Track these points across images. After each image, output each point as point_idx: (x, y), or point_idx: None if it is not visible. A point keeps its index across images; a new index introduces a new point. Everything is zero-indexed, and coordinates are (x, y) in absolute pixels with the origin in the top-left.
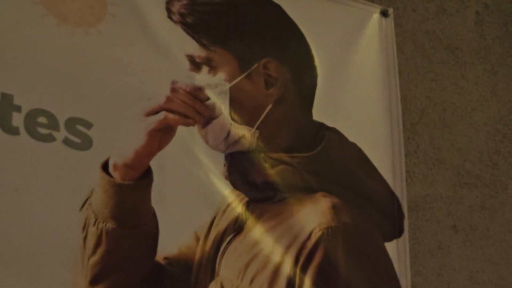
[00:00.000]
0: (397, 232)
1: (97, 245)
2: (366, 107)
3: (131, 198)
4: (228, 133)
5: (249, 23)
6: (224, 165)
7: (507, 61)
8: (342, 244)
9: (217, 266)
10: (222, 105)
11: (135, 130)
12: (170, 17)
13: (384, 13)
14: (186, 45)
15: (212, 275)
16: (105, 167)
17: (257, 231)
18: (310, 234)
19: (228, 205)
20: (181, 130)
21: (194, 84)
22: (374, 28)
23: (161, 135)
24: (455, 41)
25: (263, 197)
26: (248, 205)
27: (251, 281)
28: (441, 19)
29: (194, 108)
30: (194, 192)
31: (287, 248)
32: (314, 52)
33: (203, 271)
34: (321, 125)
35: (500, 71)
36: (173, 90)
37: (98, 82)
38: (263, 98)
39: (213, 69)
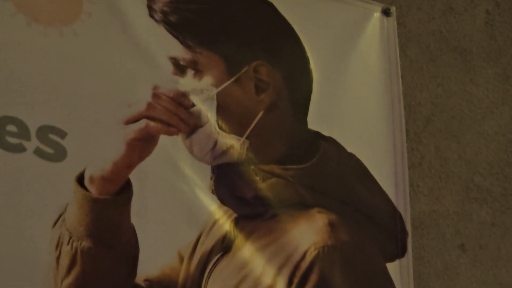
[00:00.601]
0: (400, 252)
1: (71, 265)
2: (366, 115)
3: (108, 214)
4: (215, 143)
5: (239, 22)
6: (211, 178)
7: None
8: (339, 265)
9: None
10: (208, 112)
11: (113, 140)
12: (151, 16)
13: (385, 12)
14: (169, 46)
15: None
16: (80, 180)
17: (246, 250)
18: (304, 254)
19: (215, 222)
20: (163, 139)
21: (178, 89)
22: (375, 28)
23: (142, 145)
24: (463, 43)
25: (253, 213)
26: (237, 222)
27: None
28: (448, 18)
29: (178, 116)
30: (178, 207)
31: (280, 269)
32: (309, 54)
33: None
34: (317, 134)
35: None
36: (155, 95)
37: (73, 87)
38: (253, 104)
39: (198, 72)
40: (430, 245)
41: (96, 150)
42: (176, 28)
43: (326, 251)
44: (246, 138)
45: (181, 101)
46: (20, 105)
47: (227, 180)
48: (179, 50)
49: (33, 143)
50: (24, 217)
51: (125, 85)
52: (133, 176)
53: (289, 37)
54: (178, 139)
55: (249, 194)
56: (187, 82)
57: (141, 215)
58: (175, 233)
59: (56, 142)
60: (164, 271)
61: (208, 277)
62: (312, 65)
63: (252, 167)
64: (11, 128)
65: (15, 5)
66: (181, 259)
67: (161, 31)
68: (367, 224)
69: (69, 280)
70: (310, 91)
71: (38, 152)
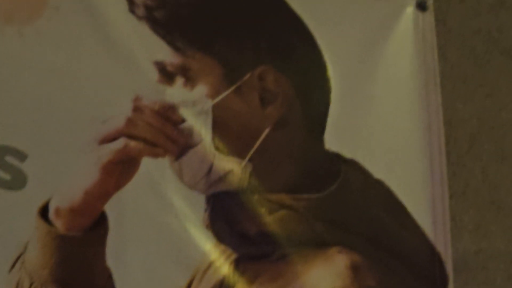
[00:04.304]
0: None
1: None
2: (396, 133)
3: (79, 255)
4: (210, 167)
5: (240, 19)
6: (205, 211)
7: None
8: None
9: None
10: (202, 129)
11: (84, 163)
12: (132, 11)
13: (421, 6)
14: (154, 48)
15: None
16: (43, 212)
17: None
18: None
19: (210, 264)
20: (146, 162)
21: (164, 101)
22: (408, 26)
23: (120, 170)
24: None
25: (257, 253)
26: (238, 264)
27: None
28: (498, 14)
29: (164, 133)
30: (164, 246)
31: None
32: (326, 59)
33: None
34: (337, 157)
35: None
36: (136, 109)
37: (36, 99)
38: (257, 119)
39: (190, 80)
40: None
41: (63, 176)
42: (162, 26)
43: None
44: (249, 161)
45: (168, 115)
46: None
47: (225, 213)
48: (166, 53)
49: None
50: None
51: (100, 96)
52: (109, 208)
53: (302, 38)
54: (165, 162)
55: (252, 230)
56: (176, 92)
57: (119, 255)
58: (160, 278)
59: (14, 166)
60: None
61: None
62: (331, 71)
63: (256, 196)
64: None
65: None
66: None
67: (144, 30)
68: (398, 267)
69: None
70: (327, 103)
71: None
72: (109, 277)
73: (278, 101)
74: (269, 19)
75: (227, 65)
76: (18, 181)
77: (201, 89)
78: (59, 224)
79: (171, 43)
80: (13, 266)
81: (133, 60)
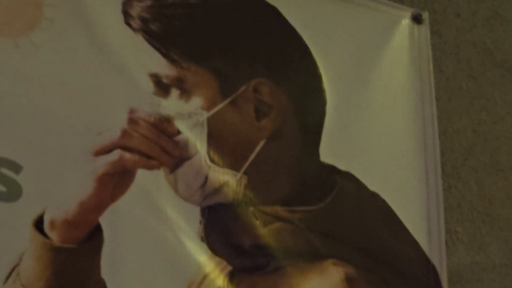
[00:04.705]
0: None
1: None
2: (392, 145)
3: (74, 267)
4: (206, 179)
5: (235, 31)
6: (200, 223)
7: None
8: None
9: None
10: (197, 142)
11: (79, 175)
12: (128, 23)
13: (416, 18)
14: (149, 60)
15: None
16: (38, 224)
17: None
18: None
19: (205, 277)
20: (142, 174)
21: (159, 113)
22: (404, 38)
23: (115, 182)
24: None
25: (252, 265)
26: (232, 277)
27: None
28: (494, 26)
29: (160, 146)
30: (159, 258)
31: None
32: (322, 71)
33: None
34: (332, 169)
35: None
36: (132, 121)
37: (31, 111)
38: (253, 131)
39: (185, 92)
40: None
41: (59, 188)
42: (158, 38)
43: None
44: (244, 173)
45: (163, 127)
46: None
47: (220, 225)
48: (161, 65)
49: None
50: None
51: (95, 108)
52: (104, 220)
53: (297, 50)
54: (160, 174)
55: (247, 242)
56: (172, 104)
57: (114, 267)
58: None
59: (9, 178)
60: None
61: None
62: (326, 83)
63: (251, 208)
64: None
65: None
66: None
67: (140, 42)
68: (393, 279)
69: None
70: (323, 115)
71: None
72: None
73: (273, 113)
74: (264, 31)
75: (222, 77)
76: (13, 193)
77: (196, 101)
78: (54, 236)
79: (166, 55)
80: (8, 277)
81: (129, 72)
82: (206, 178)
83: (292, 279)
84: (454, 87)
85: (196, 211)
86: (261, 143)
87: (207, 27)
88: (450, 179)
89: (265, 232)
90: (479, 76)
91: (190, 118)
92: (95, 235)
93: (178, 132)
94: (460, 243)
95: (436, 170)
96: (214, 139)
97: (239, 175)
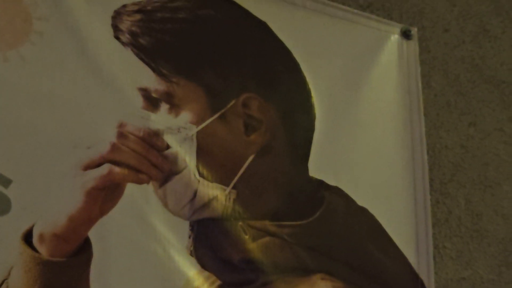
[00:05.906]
0: None
1: None
2: (380, 160)
3: (63, 281)
4: (195, 194)
5: (225, 46)
6: (189, 237)
7: None
8: None
9: None
10: (186, 156)
11: (68, 189)
12: (117, 38)
13: (405, 34)
14: (138, 75)
15: None
16: (27, 238)
17: None
18: None
19: None
20: (131, 189)
21: (148, 128)
22: (392, 54)
23: (104, 196)
24: (500, 72)
25: (241, 280)
26: None
27: None
28: (482, 42)
29: (149, 160)
30: (148, 272)
31: None
32: (311, 86)
33: None
34: (320, 184)
35: None
36: (121, 135)
37: (20, 124)
38: (242, 146)
39: (175, 107)
40: None
41: (48, 202)
42: (147, 53)
43: None
44: (233, 187)
45: (152, 142)
46: None
47: (209, 239)
48: (151, 80)
49: None
50: None
51: (84, 122)
52: (93, 234)
53: (286, 65)
54: (149, 188)
55: (236, 257)
56: (161, 119)
57: (103, 281)
58: None
59: None
60: None
61: None
62: (315, 99)
63: (240, 223)
64: None
65: None
66: None
67: (129, 56)
68: None
69: None
70: (312, 130)
71: None
72: None
73: (262, 128)
74: (254, 47)
75: (211, 92)
76: (2, 207)
77: (185, 116)
78: (43, 250)
79: (156, 69)
80: None
81: (118, 86)
82: (195, 192)
83: None
84: (443, 103)
85: (185, 225)
86: (250, 158)
87: (197, 42)
88: (438, 194)
89: (254, 246)
90: (467, 92)
91: (179, 132)
92: (84, 248)
93: (167, 147)
94: (448, 259)
95: (424, 185)
96: (203, 153)
97: (228, 189)
